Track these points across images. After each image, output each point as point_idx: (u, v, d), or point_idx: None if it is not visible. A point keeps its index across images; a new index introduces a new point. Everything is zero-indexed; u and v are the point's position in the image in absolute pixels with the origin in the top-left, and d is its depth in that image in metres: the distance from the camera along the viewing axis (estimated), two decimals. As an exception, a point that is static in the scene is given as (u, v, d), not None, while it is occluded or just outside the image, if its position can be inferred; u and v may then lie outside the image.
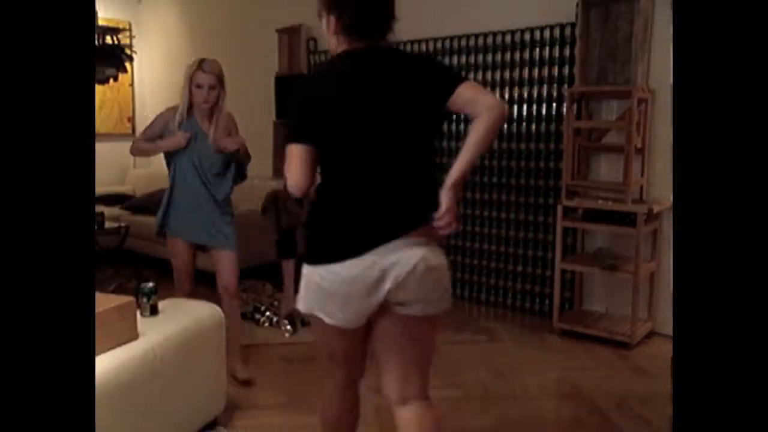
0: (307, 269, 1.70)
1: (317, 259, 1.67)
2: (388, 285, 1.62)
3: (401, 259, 1.62)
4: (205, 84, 2.84)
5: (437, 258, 1.68)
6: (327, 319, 1.69)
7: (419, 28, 4.26)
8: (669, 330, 3.50)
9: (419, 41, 4.26)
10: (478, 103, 1.63)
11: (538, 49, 3.84)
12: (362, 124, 1.64)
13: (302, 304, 1.73)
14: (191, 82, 2.86)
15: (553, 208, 3.68)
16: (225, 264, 3.01)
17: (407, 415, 1.79)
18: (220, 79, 2.91)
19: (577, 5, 3.57)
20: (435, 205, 1.62)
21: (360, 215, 1.65)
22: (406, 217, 1.66)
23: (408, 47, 4.30)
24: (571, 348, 3.42)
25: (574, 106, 3.62)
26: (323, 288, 1.65)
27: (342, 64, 1.71)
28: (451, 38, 4.16)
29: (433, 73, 1.70)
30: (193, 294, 3.02)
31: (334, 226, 1.68)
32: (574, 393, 2.87)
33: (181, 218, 2.92)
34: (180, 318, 2.37)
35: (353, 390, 1.93)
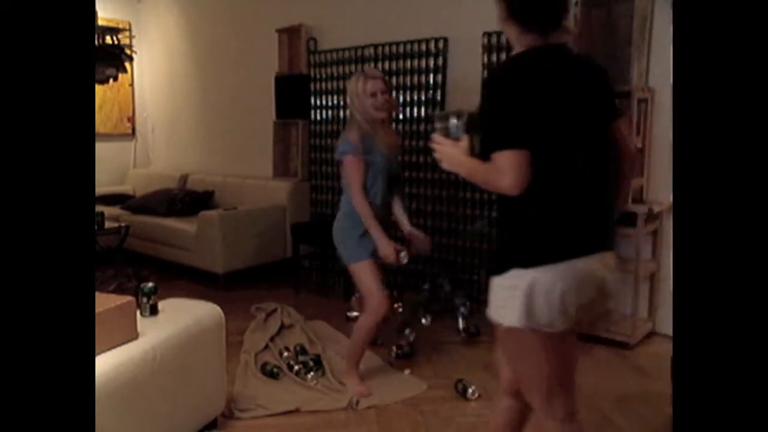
0: (530, 273, 1.54)
1: (548, 259, 1.55)
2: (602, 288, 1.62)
3: (612, 268, 1.64)
4: (378, 90, 2.75)
5: None
6: (549, 328, 1.56)
7: (411, 29, 4.26)
8: (669, 330, 3.50)
9: (412, 42, 4.26)
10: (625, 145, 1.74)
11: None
12: (576, 128, 1.60)
13: (521, 318, 1.55)
14: (363, 94, 2.74)
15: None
16: None
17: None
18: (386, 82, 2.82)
19: (576, 4, 3.57)
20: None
21: (588, 216, 1.62)
22: (613, 228, 1.70)
23: (402, 48, 4.30)
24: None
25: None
26: (556, 290, 1.53)
27: (543, 64, 1.61)
28: (445, 39, 4.16)
29: (611, 90, 1.73)
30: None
31: (566, 224, 1.59)
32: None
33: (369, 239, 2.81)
34: (180, 318, 2.37)
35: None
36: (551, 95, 1.56)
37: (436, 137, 1.66)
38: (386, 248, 2.73)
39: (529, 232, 1.58)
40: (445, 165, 1.65)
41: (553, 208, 1.57)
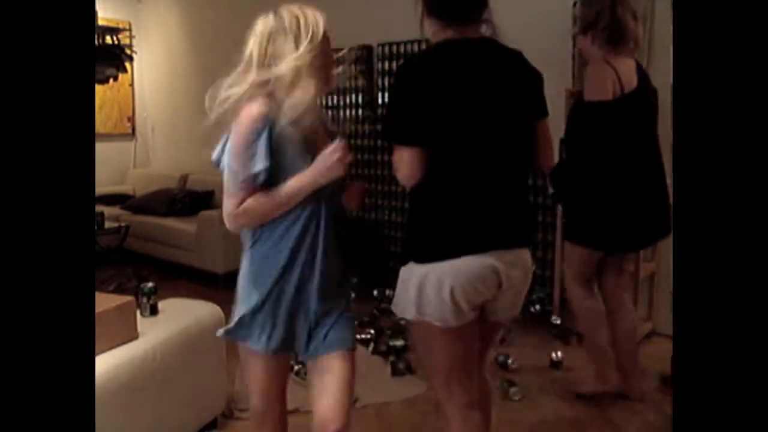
0: (422, 268, 1.56)
1: (439, 256, 1.55)
2: (502, 286, 1.61)
3: (517, 265, 1.62)
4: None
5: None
6: (441, 323, 1.57)
7: (410, 29, 4.25)
8: (669, 330, 3.49)
9: (412, 42, 4.25)
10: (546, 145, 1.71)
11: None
12: (482, 126, 1.55)
13: (413, 310, 1.59)
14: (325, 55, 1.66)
15: (552, 208, 3.68)
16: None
17: (480, 417, 1.73)
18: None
19: (575, 4, 3.56)
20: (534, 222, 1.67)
21: (485, 215, 1.58)
22: (524, 226, 1.67)
23: (401, 48, 4.30)
24: (572, 348, 3.41)
25: (574, 106, 3.61)
26: (445, 286, 1.53)
27: (449, 58, 1.56)
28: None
29: (537, 88, 1.66)
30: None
31: (459, 222, 1.57)
32: (574, 393, 2.86)
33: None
34: (180, 318, 2.37)
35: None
36: (454, 90, 1.54)
37: None
38: (324, 159, 1.51)
39: (424, 228, 1.62)
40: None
41: (448, 205, 1.58)
